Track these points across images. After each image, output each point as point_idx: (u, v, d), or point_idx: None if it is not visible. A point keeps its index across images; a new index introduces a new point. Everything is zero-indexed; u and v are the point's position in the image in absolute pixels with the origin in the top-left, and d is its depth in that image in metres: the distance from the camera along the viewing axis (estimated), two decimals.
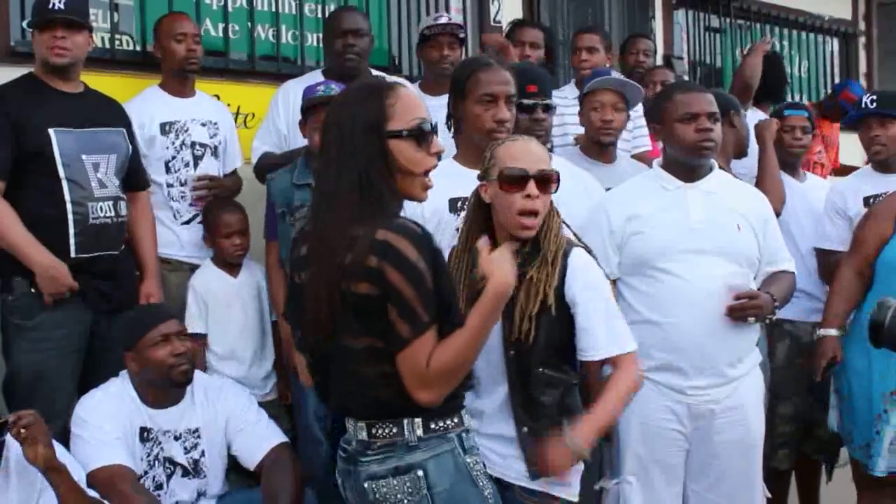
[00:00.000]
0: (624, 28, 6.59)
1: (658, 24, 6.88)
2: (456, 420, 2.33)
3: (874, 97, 4.20)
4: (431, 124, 2.30)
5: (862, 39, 8.47)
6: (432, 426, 2.28)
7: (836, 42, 8.32)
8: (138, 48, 4.44)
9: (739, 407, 3.16)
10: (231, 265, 3.98)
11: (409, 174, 2.26)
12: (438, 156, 2.31)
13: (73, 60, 3.59)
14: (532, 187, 2.59)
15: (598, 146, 3.91)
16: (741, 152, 4.16)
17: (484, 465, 2.39)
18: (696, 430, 3.14)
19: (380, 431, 2.29)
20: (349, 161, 2.22)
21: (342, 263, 2.17)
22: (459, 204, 2.95)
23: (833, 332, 3.70)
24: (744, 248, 3.20)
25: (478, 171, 2.81)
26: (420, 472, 2.26)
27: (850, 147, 4.40)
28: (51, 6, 3.50)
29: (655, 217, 3.17)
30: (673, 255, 3.11)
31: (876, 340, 2.23)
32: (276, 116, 4.23)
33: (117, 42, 4.42)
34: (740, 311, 3.09)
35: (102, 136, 3.65)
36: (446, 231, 2.91)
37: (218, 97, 4.50)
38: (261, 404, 3.66)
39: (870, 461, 3.48)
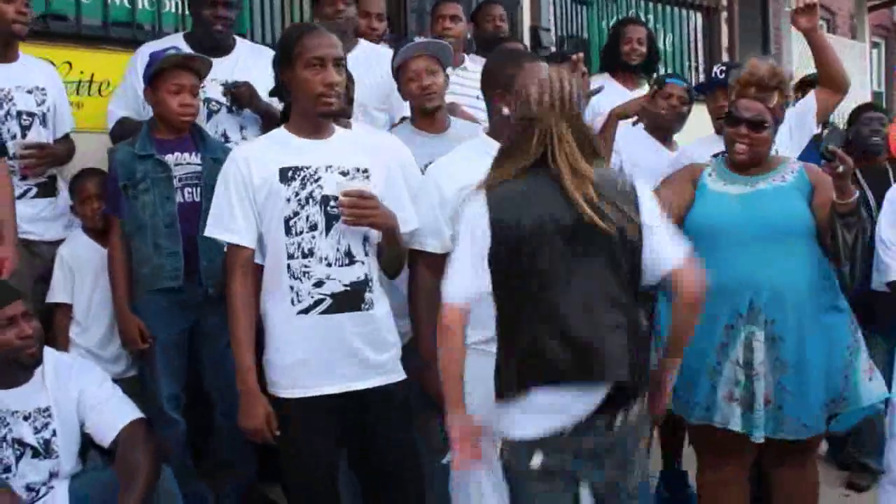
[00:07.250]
0: None
1: None
2: None
3: (723, 68, 4.41)
4: None
5: (724, 14, 8.71)
6: None
7: (699, 17, 8.54)
8: None
9: None
10: (100, 234, 3.86)
11: None
12: None
13: None
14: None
15: (426, 115, 3.73)
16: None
17: None
18: None
19: None
20: None
21: None
22: (290, 174, 2.90)
23: None
24: None
25: (310, 141, 2.87)
26: None
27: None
28: None
29: None
30: None
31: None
32: (136, 80, 4.04)
33: None
34: None
35: None
36: (277, 201, 2.88)
37: (70, 64, 4.35)
38: (119, 381, 3.56)
39: (704, 412, 3.45)
